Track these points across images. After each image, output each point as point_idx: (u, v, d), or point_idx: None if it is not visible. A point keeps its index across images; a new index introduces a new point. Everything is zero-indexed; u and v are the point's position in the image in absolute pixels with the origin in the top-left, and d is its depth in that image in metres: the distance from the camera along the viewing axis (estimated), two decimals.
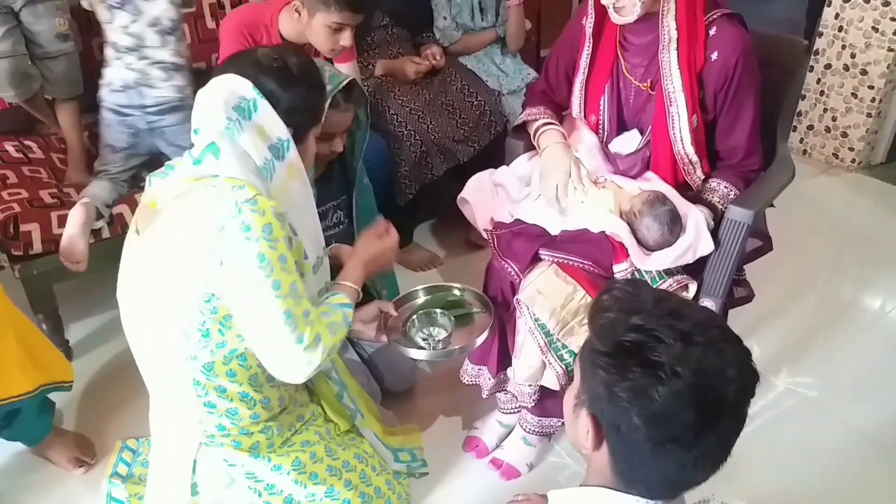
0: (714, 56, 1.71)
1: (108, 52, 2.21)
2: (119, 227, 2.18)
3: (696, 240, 1.71)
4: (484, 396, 1.96)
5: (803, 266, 2.77)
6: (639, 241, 1.73)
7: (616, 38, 1.82)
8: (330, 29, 2.11)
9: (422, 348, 1.71)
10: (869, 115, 3.31)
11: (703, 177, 1.83)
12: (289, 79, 1.35)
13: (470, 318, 1.82)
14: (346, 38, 2.14)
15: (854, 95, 3.32)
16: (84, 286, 2.28)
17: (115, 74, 2.20)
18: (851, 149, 3.44)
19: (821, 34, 3.33)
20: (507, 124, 2.74)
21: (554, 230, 1.83)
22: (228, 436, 1.46)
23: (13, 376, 1.73)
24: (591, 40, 1.84)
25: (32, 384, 1.76)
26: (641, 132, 1.87)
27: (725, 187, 1.80)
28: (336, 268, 1.84)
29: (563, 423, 1.59)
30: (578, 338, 1.69)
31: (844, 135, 3.43)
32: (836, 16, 3.25)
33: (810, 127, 3.53)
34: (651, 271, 1.72)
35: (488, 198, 1.98)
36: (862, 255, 2.92)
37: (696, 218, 1.73)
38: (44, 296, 2.19)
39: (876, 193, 3.35)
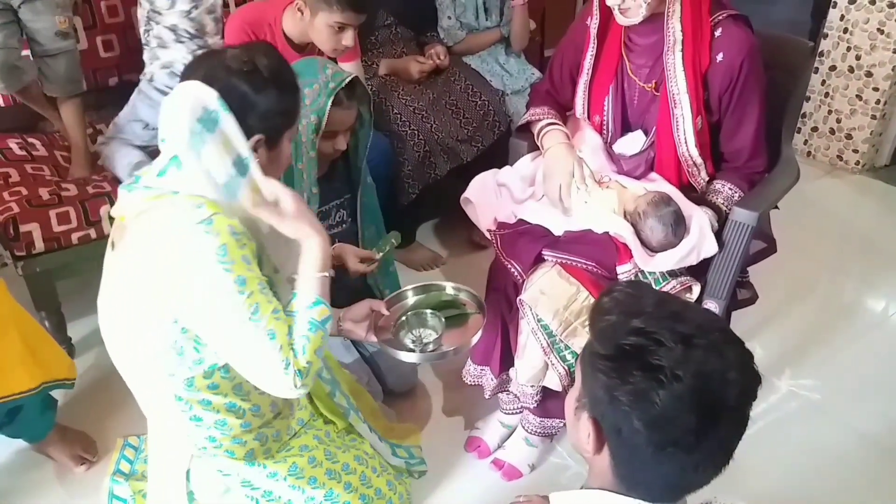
0: (719, 57, 1.71)
1: (165, 36, 2.28)
2: None
3: (700, 241, 1.70)
4: (486, 397, 1.96)
5: (806, 268, 2.77)
6: (643, 243, 1.73)
7: (621, 38, 1.81)
8: (332, 29, 2.11)
9: (410, 350, 1.66)
10: (873, 117, 3.31)
11: (707, 178, 1.83)
12: (259, 82, 1.28)
13: (463, 318, 1.77)
14: (348, 38, 2.14)
15: (859, 97, 3.31)
16: (87, 284, 2.27)
17: (178, 56, 2.24)
18: (856, 151, 3.43)
19: (826, 36, 3.32)
20: (511, 124, 2.74)
21: (557, 231, 1.82)
22: (221, 447, 1.43)
23: (15, 373, 1.73)
24: (596, 41, 1.84)
25: (34, 381, 1.76)
26: (646, 133, 1.87)
27: (730, 189, 1.79)
28: (338, 268, 1.84)
29: (565, 425, 1.58)
30: (581, 339, 1.69)
31: (849, 137, 3.42)
32: (842, 17, 3.24)
33: (814, 129, 3.53)
34: (655, 272, 1.72)
35: (492, 198, 1.98)
36: (865, 257, 2.92)
37: (700, 219, 1.73)
38: (46, 293, 2.20)
39: (880, 196, 3.34)
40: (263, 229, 1.30)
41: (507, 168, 2.03)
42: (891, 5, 3.08)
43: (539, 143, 1.94)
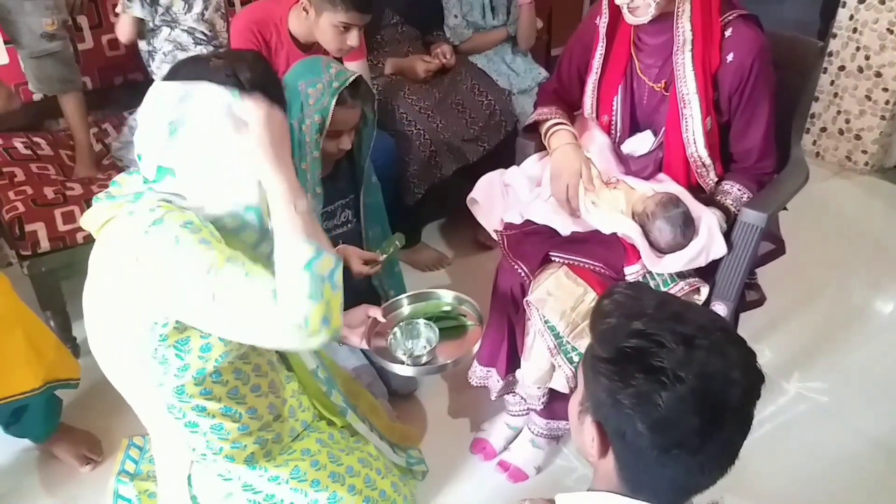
0: (729, 57, 1.70)
1: (184, 40, 2.34)
2: None
3: (708, 242, 1.69)
4: (492, 398, 1.95)
5: (815, 270, 2.75)
6: (651, 244, 1.72)
7: (630, 38, 1.80)
8: (337, 29, 2.10)
9: (400, 361, 1.63)
10: (883, 117, 3.28)
11: (716, 179, 1.82)
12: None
13: (461, 330, 1.73)
14: (353, 39, 2.13)
15: (868, 98, 3.29)
16: None
17: None
18: (865, 151, 3.41)
19: (835, 36, 3.30)
20: (518, 124, 2.73)
21: (564, 231, 1.81)
22: (220, 452, 1.41)
23: (20, 373, 1.74)
24: (605, 40, 1.83)
25: (39, 381, 1.76)
26: (655, 133, 1.86)
27: (739, 190, 1.78)
28: (343, 269, 1.82)
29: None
30: (588, 340, 1.67)
31: (858, 137, 3.40)
32: (851, 17, 3.22)
33: (823, 129, 3.51)
34: (663, 274, 1.71)
35: (498, 198, 1.97)
36: (874, 258, 2.89)
37: (709, 220, 1.71)
38: (52, 293, 2.20)
39: (889, 197, 3.32)
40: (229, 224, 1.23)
41: (513, 168, 2.02)
42: None
43: (546, 143, 1.94)
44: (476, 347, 1.67)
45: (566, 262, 1.74)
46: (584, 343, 1.69)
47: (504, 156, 2.32)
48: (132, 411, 1.43)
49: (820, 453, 2.03)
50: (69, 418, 2.01)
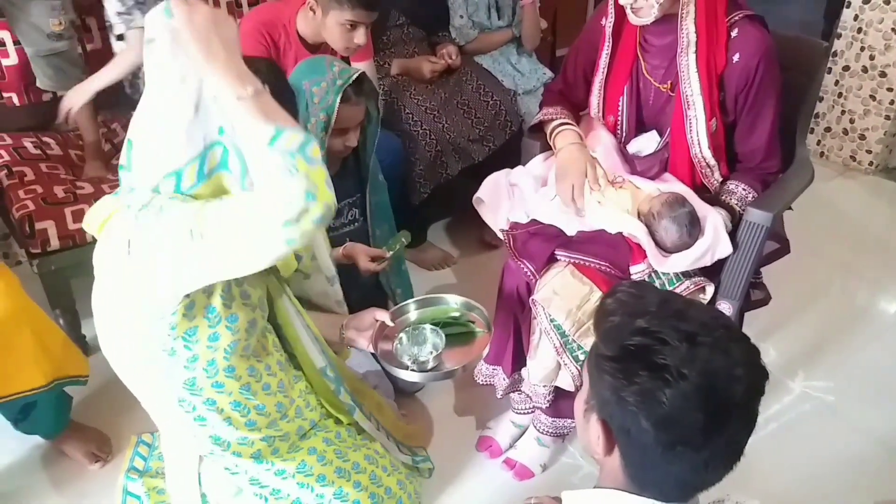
0: (736, 58, 1.70)
1: None
2: None
3: (714, 242, 1.70)
4: (498, 397, 1.96)
5: (820, 269, 2.75)
6: (657, 243, 1.73)
7: (636, 39, 1.81)
8: (344, 27, 2.11)
9: (405, 366, 1.64)
10: (887, 117, 3.28)
11: (720, 180, 1.82)
12: None
13: (470, 336, 1.73)
14: (360, 37, 2.14)
15: (872, 98, 3.29)
16: None
17: None
18: (869, 151, 3.41)
19: (839, 36, 3.30)
20: (523, 124, 2.74)
21: (570, 231, 1.82)
22: (228, 447, 1.43)
23: (29, 370, 1.74)
24: (611, 40, 1.84)
25: (46, 378, 1.77)
26: (660, 133, 1.86)
27: (744, 189, 1.79)
28: (351, 267, 1.83)
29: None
30: (594, 338, 1.68)
31: (862, 137, 3.40)
32: (855, 17, 3.22)
33: (828, 129, 3.51)
34: (668, 273, 1.71)
35: (504, 198, 1.98)
36: (879, 258, 2.89)
37: (714, 220, 1.72)
38: (61, 291, 2.21)
39: (893, 196, 3.32)
40: None
41: (519, 168, 2.03)
42: None
43: (551, 143, 1.94)
44: (484, 354, 1.67)
45: (572, 261, 1.74)
46: (589, 341, 1.69)
47: (510, 156, 2.33)
48: (141, 409, 1.44)
49: (825, 452, 2.03)
50: (79, 416, 2.03)
